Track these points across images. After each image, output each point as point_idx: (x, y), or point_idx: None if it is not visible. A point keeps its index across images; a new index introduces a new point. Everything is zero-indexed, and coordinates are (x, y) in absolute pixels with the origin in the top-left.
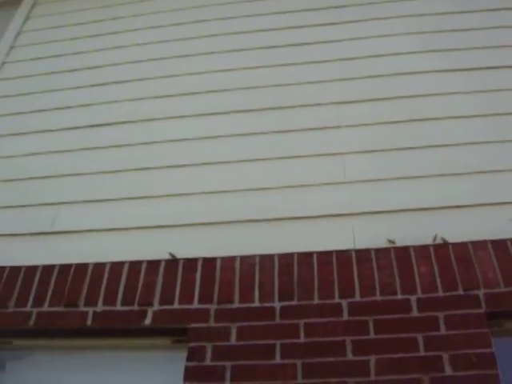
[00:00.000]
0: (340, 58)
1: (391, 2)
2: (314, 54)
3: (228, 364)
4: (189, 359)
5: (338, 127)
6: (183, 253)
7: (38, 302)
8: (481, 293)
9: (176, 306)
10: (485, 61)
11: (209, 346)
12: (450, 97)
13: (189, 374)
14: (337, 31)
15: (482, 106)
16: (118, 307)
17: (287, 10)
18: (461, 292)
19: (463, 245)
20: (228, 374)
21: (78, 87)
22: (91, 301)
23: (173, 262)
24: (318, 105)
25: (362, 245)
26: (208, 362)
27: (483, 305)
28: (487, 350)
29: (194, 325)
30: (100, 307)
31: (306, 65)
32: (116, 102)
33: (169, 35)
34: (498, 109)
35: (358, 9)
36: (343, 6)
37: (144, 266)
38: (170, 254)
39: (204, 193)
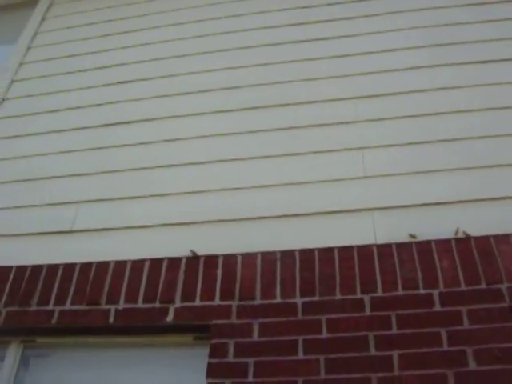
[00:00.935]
0: (357, 53)
1: None
2: (332, 49)
3: (251, 360)
4: (211, 356)
5: (357, 122)
6: (204, 250)
7: (60, 300)
8: (504, 287)
9: (197, 302)
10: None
11: (231, 343)
12: (467, 90)
13: (211, 370)
14: (353, 26)
15: (500, 98)
16: (140, 305)
17: (309, 5)
18: (483, 286)
19: (485, 238)
20: (251, 371)
21: (91, 87)
22: (113, 299)
23: (194, 259)
24: (337, 100)
25: (383, 239)
26: (230, 358)
27: (506, 299)
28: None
29: (215, 321)
30: (122, 305)
31: (323, 60)
32: (133, 100)
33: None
34: None
35: (371, 3)
36: (359, 1)
37: (165, 263)
38: (191, 251)
39: (224, 190)
